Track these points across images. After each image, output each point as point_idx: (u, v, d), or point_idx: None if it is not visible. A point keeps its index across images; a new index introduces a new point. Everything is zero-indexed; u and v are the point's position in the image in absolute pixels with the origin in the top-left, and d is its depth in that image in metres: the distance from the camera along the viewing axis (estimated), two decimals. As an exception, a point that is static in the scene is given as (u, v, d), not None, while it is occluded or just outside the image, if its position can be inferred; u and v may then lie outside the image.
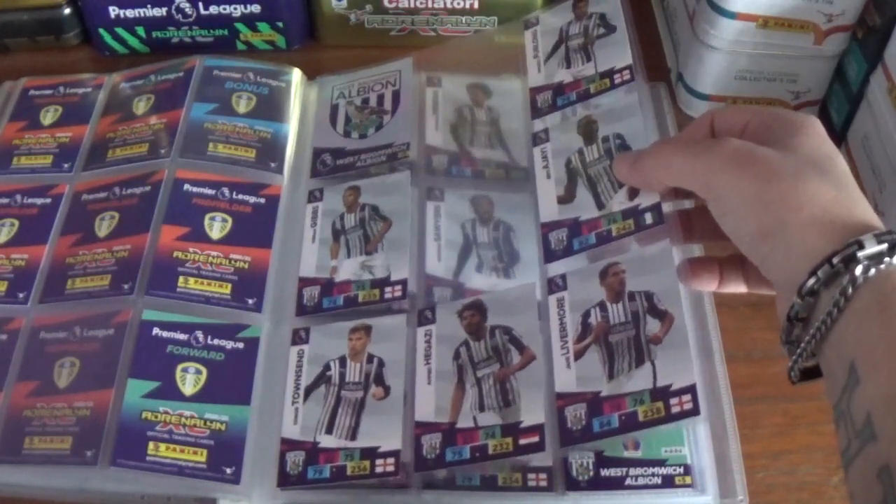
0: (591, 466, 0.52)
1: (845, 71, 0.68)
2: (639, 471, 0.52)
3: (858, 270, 0.39)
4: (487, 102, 0.69)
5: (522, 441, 0.49)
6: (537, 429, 0.49)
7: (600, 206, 0.52)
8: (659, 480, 0.52)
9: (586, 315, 0.51)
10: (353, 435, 0.52)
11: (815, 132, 0.45)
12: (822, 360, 0.41)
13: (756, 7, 0.64)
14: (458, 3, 0.73)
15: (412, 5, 0.73)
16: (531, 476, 0.52)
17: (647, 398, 0.46)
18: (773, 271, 0.43)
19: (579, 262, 0.53)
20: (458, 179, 0.64)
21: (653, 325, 0.48)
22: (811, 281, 0.40)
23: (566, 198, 0.54)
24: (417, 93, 0.69)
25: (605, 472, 0.52)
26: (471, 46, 0.75)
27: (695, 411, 0.45)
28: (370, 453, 0.51)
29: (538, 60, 0.64)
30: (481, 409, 0.51)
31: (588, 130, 0.57)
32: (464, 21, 0.74)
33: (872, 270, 0.39)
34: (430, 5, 0.73)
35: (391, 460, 0.51)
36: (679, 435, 0.53)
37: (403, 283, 0.58)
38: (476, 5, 0.73)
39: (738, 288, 0.50)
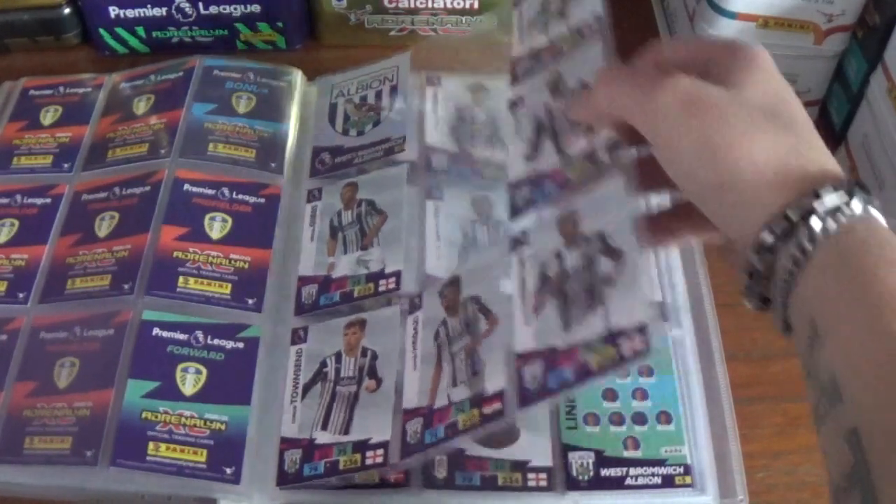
0: (590, 466, 0.52)
1: (845, 71, 0.68)
2: (639, 471, 0.52)
3: (817, 225, 0.37)
4: (487, 102, 0.69)
5: (486, 410, 0.47)
6: (499, 395, 0.47)
7: (561, 154, 0.49)
8: (659, 480, 0.52)
9: (544, 266, 0.48)
10: (346, 429, 0.52)
11: (766, 67, 0.42)
12: (790, 314, 0.39)
13: (756, 7, 0.64)
14: (458, 3, 0.73)
15: (412, 5, 0.73)
16: (531, 476, 0.52)
17: (599, 344, 0.42)
18: (727, 225, 0.41)
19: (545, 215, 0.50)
20: (458, 179, 0.64)
21: (606, 266, 0.44)
22: (768, 237, 0.38)
23: (532, 154, 0.52)
24: (417, 92, 0.69)
25: (605, 472, 0.52)
26: (469, 43, 0.75)
27: (645, 352, 0.41)
28: (361, 446, 0.51)
29: (521, 32, 0.62)
30: (454, 384, 0.50)
31: (554, 84, 0.55)
32: (464, 21, 0.74)
33: (832, 224, 0.37)
34: (430, 5, 0.73)
35: (380, 451, 0.51)
36: (679, 435, 0.53)
37: (397, 274, 0.58)
38: (476, 5, 0.73)
39: (688, 240, 0.47)
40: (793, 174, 0.39)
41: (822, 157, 0.40)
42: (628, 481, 0.52)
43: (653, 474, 0.52)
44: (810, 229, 0.37)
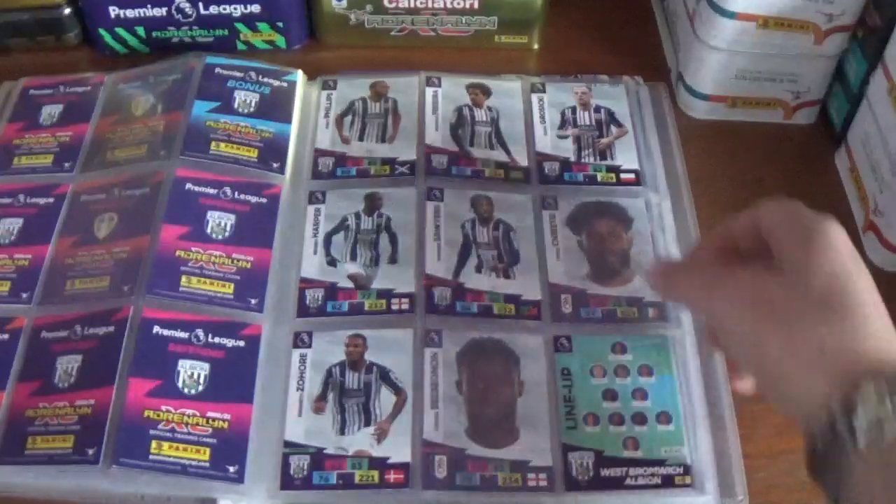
0: (590, 466, 0.52)
1: (845, 71, 0.68)
2: (639, 471, 0.52)
3: (859, 425, 0.36)
4: (487, 102, 0.70)
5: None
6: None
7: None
8: (659, 480, 0.52)
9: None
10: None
11: (830, 243, 0.42)
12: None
13: (756, 7, 0.64)
14: (458, 3, 0.73)
15: (412, 5, 0.73)
16: (531, 476, 0.52)
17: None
18: (784, 412, 0.42)
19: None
20: (459, 179, 0.64)
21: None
22: (816, 444, 0.38)
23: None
24: (417, 93, 0.69)
25: (604, 472, 0.52)
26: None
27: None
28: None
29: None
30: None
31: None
32: (464, 21, 0.74)
33: (875, 430, 0.36)
34: (430, 5, 0.73)
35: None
36: (678, 435, 0.53)
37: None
38: (476, 5, 0.73)
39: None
40: (836, 364, 0.38)
41: (871, 338, 0.39)
42: (628, 481, 0.52)
43: (653, 474, 0.52)
44: (851, 428, 0.36)
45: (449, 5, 0.73)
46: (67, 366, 0.54)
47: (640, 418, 0.54)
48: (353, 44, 0.76)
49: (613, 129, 0.68)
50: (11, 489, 0.52)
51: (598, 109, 0.69)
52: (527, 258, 0.60)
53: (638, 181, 0.65)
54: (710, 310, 0.45)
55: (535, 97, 0.70)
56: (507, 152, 0.66)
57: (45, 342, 0.56)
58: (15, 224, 0.62)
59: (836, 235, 0.42)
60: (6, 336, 0.56)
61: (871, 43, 0.64)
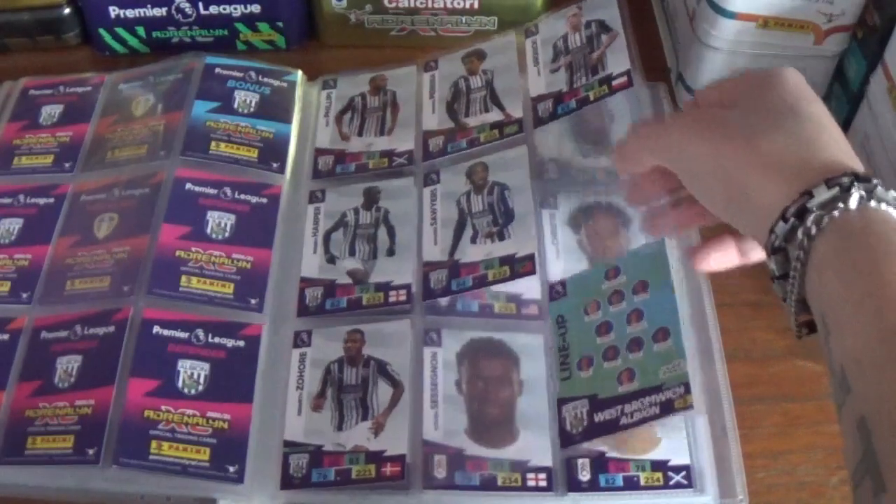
0: (584, 416, 0.52)
1: (845, 71, 0.68)
2: (635, 405, 0.51)
3: (810, 222, 0.38)
4: (482, 66, 0.69)
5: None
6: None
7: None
8: (657, 410, 0.50)
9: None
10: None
11: (783, 82, 0.44)
12: (813, 312, 0.40)
13: (756, 7, 0.64)
14: (458, 3, 0.73)
15: (412, 5, 0.73)
16: (531, 476, 0.52)
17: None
18: (748, 233, 0.43)
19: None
20: (454, 155, 0.64)
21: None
22: (774, 239, 0.39)
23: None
24: (415, 81, 0.69)
25: (598, 417, 0.52)
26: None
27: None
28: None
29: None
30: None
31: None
32: (464, 21, 0.74)
33: (826, 220, 0.38)
34: (430, 5, 0.73)
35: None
36: (678, 349, 0.52)
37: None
38: (476, 5, 0.73)
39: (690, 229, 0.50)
40: (793, 172, 0.40)
41: (825, 151, 0.41)
42: (623, 420, 0.51)
43: (651, 404, 0.50)
44: (806, 227, 0.38)
45: (449, 5, 0.73)
46: (67, 366, 0.54)
47: (635, 344, 0.53)
48: (353, 44, 0.76)
49: (604, 38, 0.64)
50: (12, 489, 0.52)
51: (588, 25, 0.66)
52: (521, 212, 0.60)
53: (630, 82, 0.61)
54: (669, 145, 0.45)
55: (528, 42, 0.68)
56: (502, 109, 0.66)
57: (45, 342, 0.56)
58: (15, 224, 0.62)
59: (791, 74, 0.44)
60: (6, 336, 0.56)
61: (871, 43, 0.64)
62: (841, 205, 0.38)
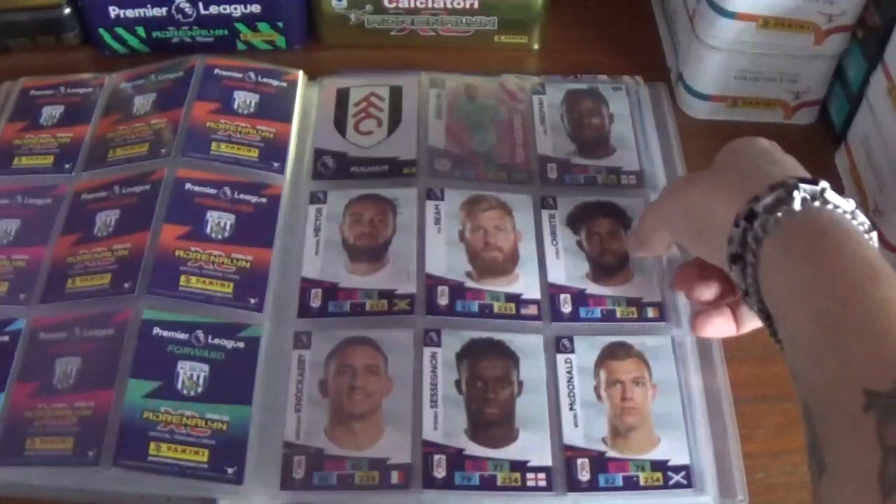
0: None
1: (845, 71, 0.68)
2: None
3: (757, 224, 0.41)
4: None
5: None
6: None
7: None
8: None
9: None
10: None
11: (735, 144, 0.49)
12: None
13: (756, 7, 0.64)
14: (458, 3, 0.73)
15: (412, 5, 0.73)
16: (531, 476, 0.52)
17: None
18: (715, 259, 0.46)
19: None
20: (461, 181, 0.64)
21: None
22: (731, 248, 0.43)
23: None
24: (421, 95, 0.69)
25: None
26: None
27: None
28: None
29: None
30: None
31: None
32: (464, 21, 0.74)
33: (771, 221, 0.41)
34: (430, 5, 0.73)
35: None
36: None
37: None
38: (476, 5, 0.73)
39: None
40: (743, 193, 0.43)
41: (783, 168, 0.45)
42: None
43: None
44: (754, 231, 0.41)
45: (449, 5, 0.73)
46: (66, 367, 0.54)
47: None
48: (353, 44, 0.76)
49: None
50: (11, 490, 0.51)
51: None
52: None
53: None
54: (660, 220, 0.52)
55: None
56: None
57: (43, 343, 0.56)
58: (13, 225, 0.62)
59: (755, 138, 0.49)
60: (6, 338, 0.56)
61: (871, 43, 0.64)
62: (785, 206, 0.41)
